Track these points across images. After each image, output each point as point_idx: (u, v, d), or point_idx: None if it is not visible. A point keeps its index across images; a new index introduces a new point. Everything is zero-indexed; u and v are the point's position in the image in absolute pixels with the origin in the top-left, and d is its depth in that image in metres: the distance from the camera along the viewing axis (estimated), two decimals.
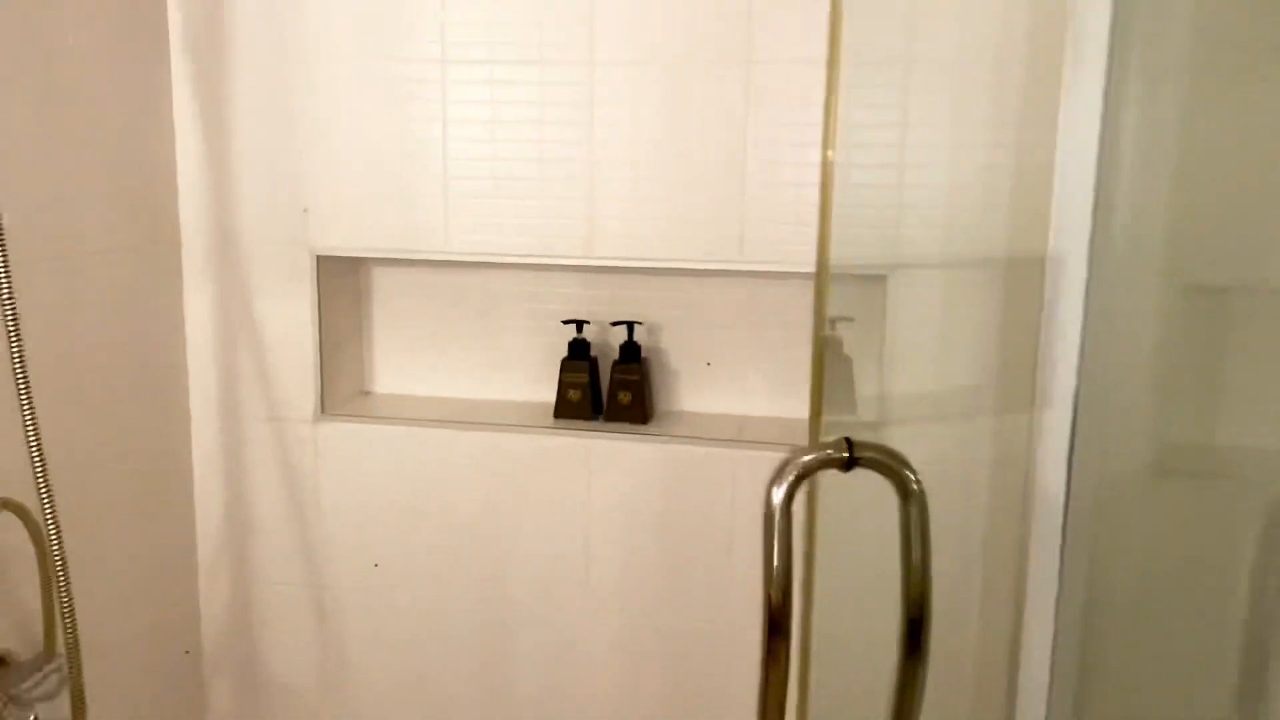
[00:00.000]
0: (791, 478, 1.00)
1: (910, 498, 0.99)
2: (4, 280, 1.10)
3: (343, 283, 1.63)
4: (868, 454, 1.01)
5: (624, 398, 1.57)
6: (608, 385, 1.58)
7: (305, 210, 1.54)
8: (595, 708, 1.58)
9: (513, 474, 1.55)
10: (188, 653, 1.64)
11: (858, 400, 1.55)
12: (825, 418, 1.36)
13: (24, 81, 1.27)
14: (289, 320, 1.57)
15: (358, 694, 1.64)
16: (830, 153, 1.05)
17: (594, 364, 1.59)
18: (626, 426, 1.56)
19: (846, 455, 1.01)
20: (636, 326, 1.58)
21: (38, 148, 1.29)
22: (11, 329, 1.12)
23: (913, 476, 1.00)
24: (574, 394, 1.58)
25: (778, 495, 1.01)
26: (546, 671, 1.58)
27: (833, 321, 1.52)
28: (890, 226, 1.31)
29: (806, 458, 1.00)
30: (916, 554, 1.00)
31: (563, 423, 1.57)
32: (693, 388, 1.63)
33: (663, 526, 1.53)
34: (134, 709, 1.51)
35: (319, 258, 1.55)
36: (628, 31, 1.42)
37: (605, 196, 1.46)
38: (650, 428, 1.56)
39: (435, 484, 1.57)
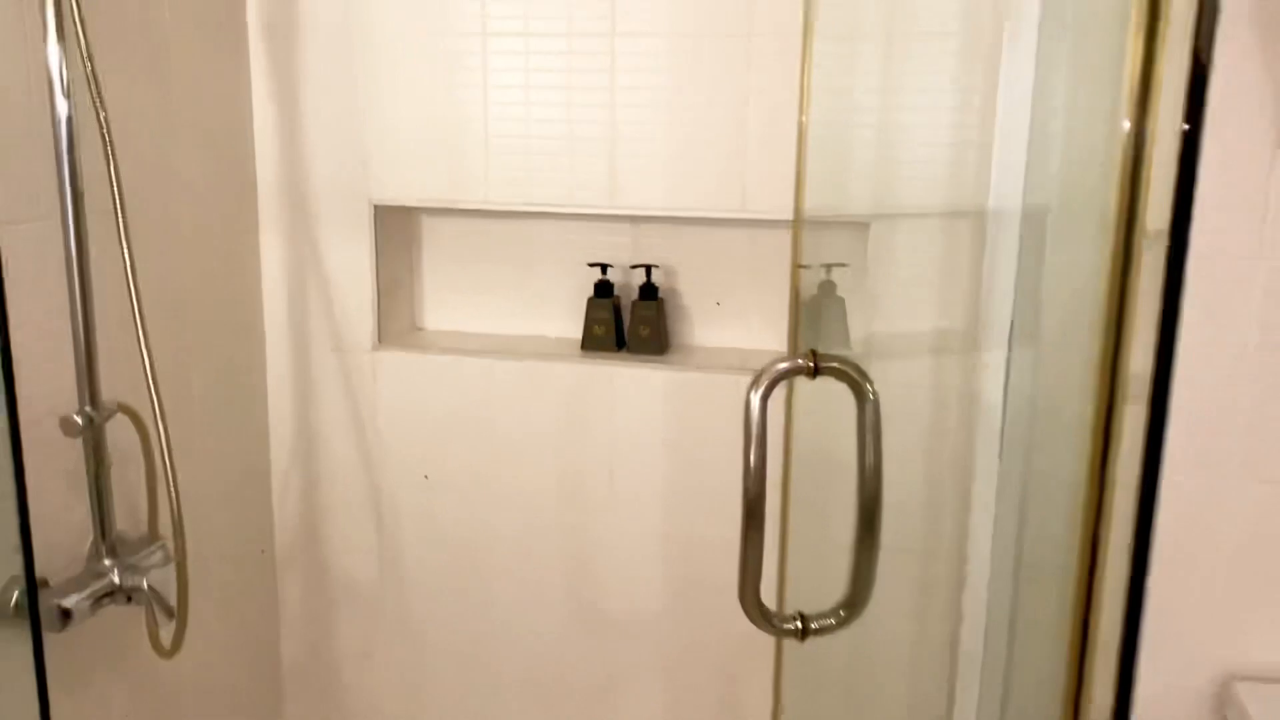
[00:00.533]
0: (767, 382, 1.21)
1: (865, 402, 1.19)
2: (121, 223, 1.34)
3: (397, 230, 1.85)
4: (830, 364, 1.21)
5: (643, 332, 1.78)
6: (629, 321, 1.79)
7: (365, 166, 1.76)
8: (616, 598, 1.80)
9: (545, 398, 1.77)
10: (263, 551, 1.89)
11: (851, 338, 1.74)
12: (816, 350, 1.56)
13: (133, 60, 1.49)
14: (351, 262, 1.79)
15: (412, 588, 1.88)
16: (804, 118, 1.24)
17: (616, 302, 1.79)
18: (645, 357, 1.76)
19: (812, 365, 1.21)
20: (654, 269, 1.78)
21: (145, 115, 1.52)
22: (129, 263, 1.35)
23: (868, 384, 1.20)
24: (599, 329, 1.79)
25: (755, 398, 1.21)
26: (574, 568, 1.80)
27: (828, 267, 1.72)
28: (869, 181, 1.50)
29: (779, 365, 1.21)
30: (870, 450, 1.20)
31: (589, 354, 1.78)
32: (703, 324, 1.84)
33: (676, 444, 1.73)
34: (217, 597, 1.76)
35: (376, 207, 1.77)
36: (644, 7, 1.61)
37: (625, 154, 1.66)
38: (666, 358, 1.77)
39: (478, 407, 1.79)
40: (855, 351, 1.69)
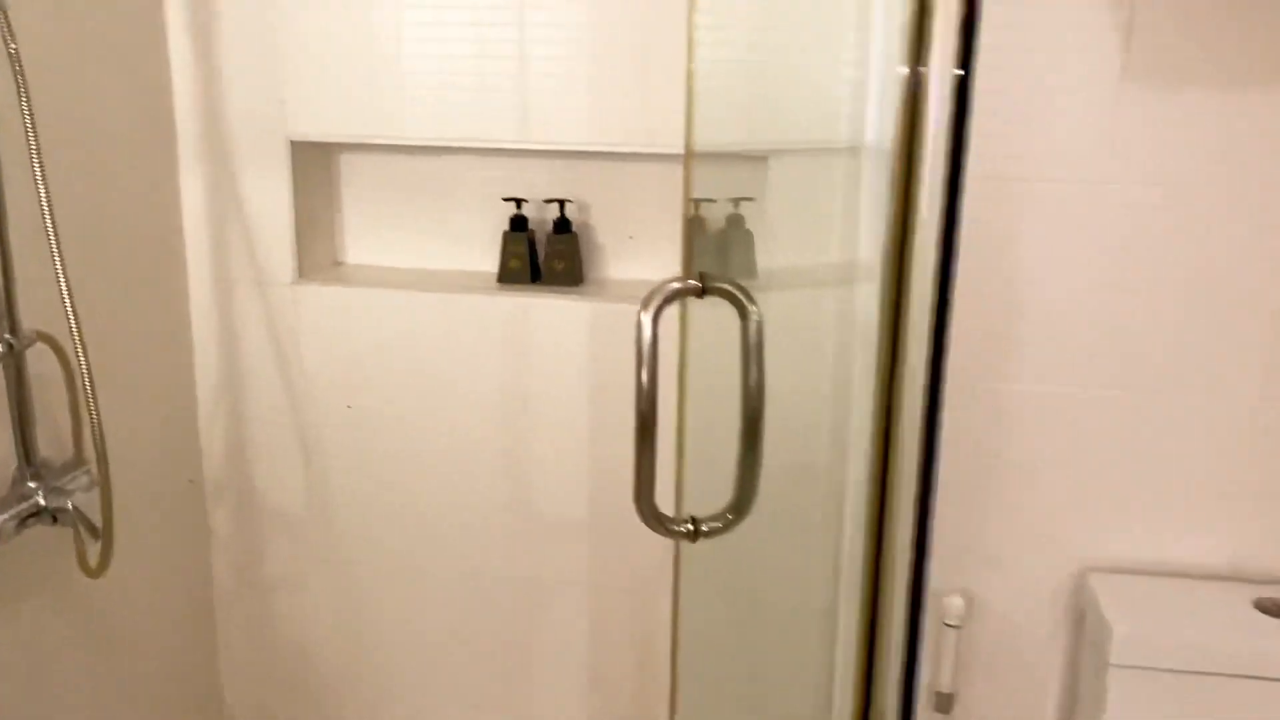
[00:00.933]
0: (657, 303, 1.28)
1: (748, 321, 1.27)
2: (35, 156, 1.37)
3: (316, 166, 1.89)
4: (716, 285, 1.29)
5: (558, 265, 1.85)
6: (544, 255, 1.86)
7: (282, 102, 1.79)
8: (536, 506, 1.88)
9: (463, 329, 1.83)
10: (191, 481, 1.94)
11: (758, 269, 1.82)
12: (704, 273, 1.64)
13: None
14: (269, 198, 1.83)
15: (340, 515, 1.95)
16: (692, 65, 1.31)
17: (532, 236, 1.86)
18: (560, 289, 1.83)
19: (700, 285, 1.29)
20: (567, 204, 1.84)
21: (59, 51, 1.54)
22: (44, 195, 1.39)
23: (751, 305, 1.28)
24: (515, 262, 1.86)
25: (646, 318, 1.29)
26: (498, 490, 1.87)
27: (736, 200, 1.80)
28: (766, 116, 1.57)
29: (668, 287, 1.29)
30: (754, 367, 1.28)
31: (506, 286, 1.85)
32: (617, 258, 1.91)
33: (590, 371, 1.81)
34: (147, 523, 1.81)
35: (294, 143, 1.81)
36: None
37: (535, 90, 1.71)
38: (581, 290, 1.84)
39: (398, 338, 1.85)
40: (761, 282, 1.77)
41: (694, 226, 1.79)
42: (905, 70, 0.88)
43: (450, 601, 1.96)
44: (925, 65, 0.86)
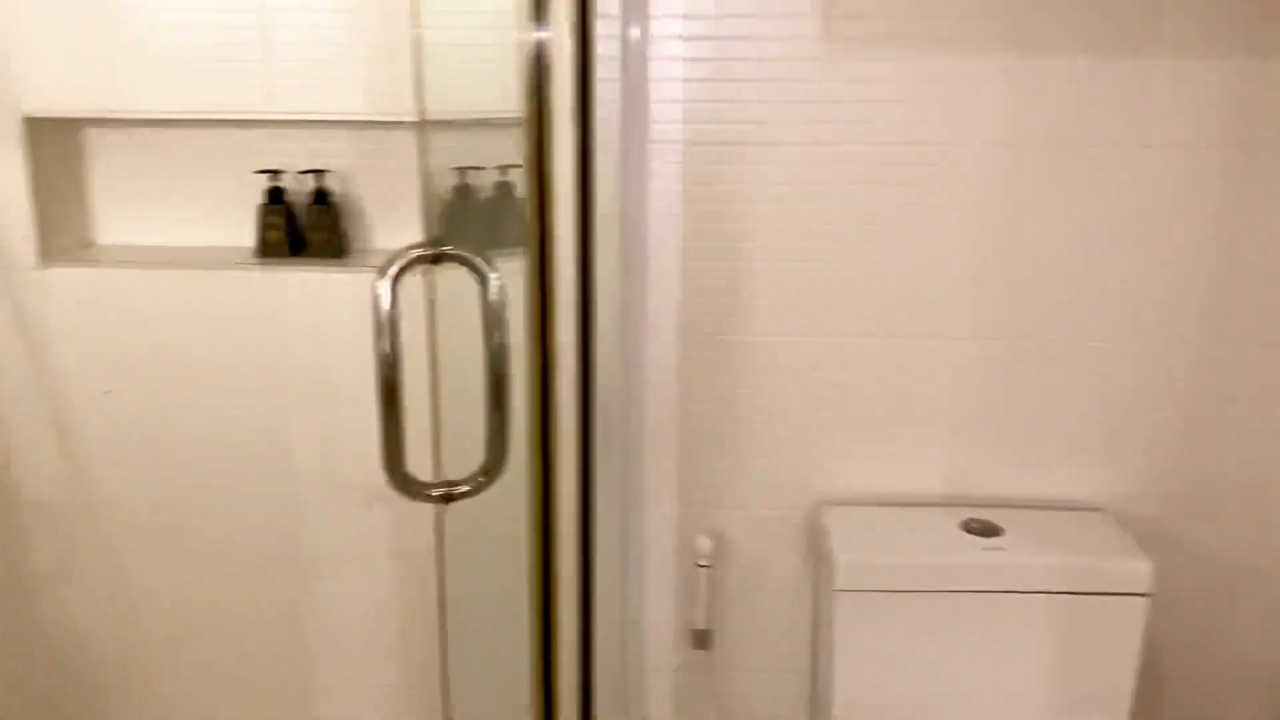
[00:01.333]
0: (394, 271, 1.30)
1: (487, 285, 1.31)
2: None
3: (58, 144, 1.81)
4: (452, 252, 1.33)
5: (318, 237, 1.83)
6: (305, 227, 1.84)
7: (13, 77, 1.70)
8: (313, 480, 1.87)
9: (223, 307, 1.79)
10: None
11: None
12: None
13: None
14: (3, 179, 1.74)
15: (104, 501, 1.88)
16: (418, 31, 1.33)
17: (290, 209, 1.84)
18: (322, 261, 1.82)
19: (435, 252, 1.32)
20: (325, 174, 1.83)
21: None
22: None
23: (487, 270, 1.32)
24: (273, 235, 1.83)
25: (384, 287, 1.31)
26: (269, 462, 1.86)
27: (504, 168, 1.82)
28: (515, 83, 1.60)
29: (404, 256, 1.31)
30: (496, 330, 1.32)
31: (265, 260, 1.82)
32: (383, 228, 1.91)
33: (356, 342, 1.81)
34: None
35: (29, 120, 1.73)
36: None
37: (282, 59, 1.69)
38: (343, 261, 1.83)
39: (155, 318, 1.80)
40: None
41: (461, 195, 1.81)
42: (528, 36, 0.92)
43: (228, 583, 1.93)
44: (545, 29, 0.91)
